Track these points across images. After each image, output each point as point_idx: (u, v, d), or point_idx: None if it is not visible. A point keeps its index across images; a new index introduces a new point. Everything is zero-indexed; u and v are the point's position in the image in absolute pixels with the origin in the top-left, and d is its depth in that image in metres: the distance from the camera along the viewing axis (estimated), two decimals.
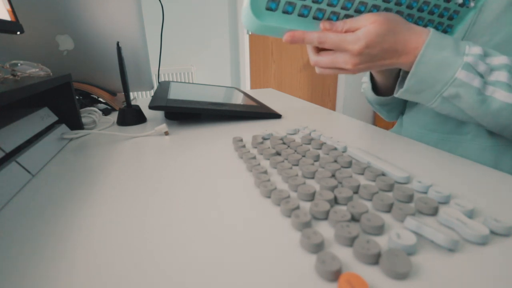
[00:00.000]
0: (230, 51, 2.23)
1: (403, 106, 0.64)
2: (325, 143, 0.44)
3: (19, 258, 0.22)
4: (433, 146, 0.46)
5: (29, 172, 0.36)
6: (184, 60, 2.13)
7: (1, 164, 0.33)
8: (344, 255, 0.21)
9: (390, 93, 0.58)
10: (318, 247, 0.22)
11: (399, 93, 0.41)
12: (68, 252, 0.23)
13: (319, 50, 0.42)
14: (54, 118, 0.50)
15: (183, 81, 2.11)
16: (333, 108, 2.65)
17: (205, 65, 2.19)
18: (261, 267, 0.21)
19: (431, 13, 0.40)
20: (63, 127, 0.51)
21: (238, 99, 0.71)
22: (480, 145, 0.47)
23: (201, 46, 2.14)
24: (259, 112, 0.61)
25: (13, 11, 0.50)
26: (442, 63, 0.35)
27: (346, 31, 0.37)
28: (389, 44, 0.36)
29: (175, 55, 2.09)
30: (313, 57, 0.42)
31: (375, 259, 0.20)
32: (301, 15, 0.37)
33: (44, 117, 0.47)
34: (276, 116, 0.62)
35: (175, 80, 2.11)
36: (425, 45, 0.35)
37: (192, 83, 0.86)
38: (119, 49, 0.54)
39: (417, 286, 0.19)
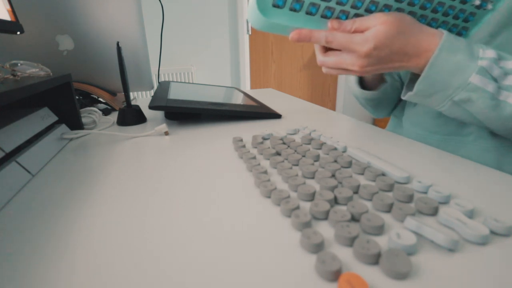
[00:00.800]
0: (230, 51, 2.23)
1: (392, 105, 0.64)
2: (325, 143, 0.44)
3: (19, 258, 0.22)
4: (435, 147, 0.46)
5: (29, 172, 0.36)
6: (184, 60, 2.13)
7: (1, 164, 0.33)
8: (344, 255, 0.21)
9: (374, 87, 0.58)
10: (318, 247, 0.22)
11: (407, 96, 0.39)
12: (68, 252, 0.23)
13: (327, 49, 0.41)
14: (54, 118, 0.50)
15: (183, 81, 2.11)
16: (333, 108, 2.65)
17: (205, 65, 2.19)
18: (261, 267, 0.21)
19: (445, 14, 0.38)
20: (63, 127, 0.51)
21: (238, 99, 0.71)
22: (482, 146, 0.46)
23: (201, 46, 2.14)
24: (259, 112, 0.61)
25: (13, 11, 0.50)
26: (456, 67, 0.34)
27: (354, 31, 0.36)
28: (399, 46, 0.35)
29: (175, 55, 2.09)
30: (320, 57, 0.41)
31: (375, 259, 0.20)
32: (309, 13, 0.36)
33: (44, 117, 0.47)
34: (276, 116, 0.62)
35: (175, 80, 2.11)
36: (438, 48, 0.34)
37: (192, 83, 0.86)
38: (119, 49, 0.54)
39: (417, 286, 0.19)
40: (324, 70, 0.43)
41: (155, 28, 1.29)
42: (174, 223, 0.26)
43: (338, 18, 0.37)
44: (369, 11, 0.36)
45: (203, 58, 2.17)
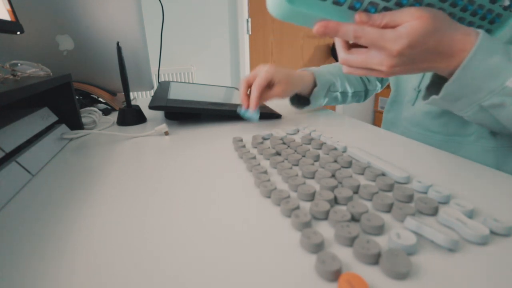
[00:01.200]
0: (230, 51, 2.23)
1: (346, 102, 0.69)
2: (325, 143, 0.44)
3: (19, 258, 0.22)
4: (436, 147, 0.45)
5: (29, 172, 0.36)
6: (184, 60, 2.13)
7: (1, 164, 0.33)
8: (344, 255, 0.21)
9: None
10: (318, 247, 0.22)
11: (430, 100, 0.37)
12: (68, 252, 0.23)
13: (350, 46, 0.37)
14: (54, 118, 0.50)
15: (183, 81, 2.11)
16: (333, 108, 2.65)
17: (205, 65, 2.19)
18: (261, 267, 0.21)
19: (473, 14, 0.36)
20: (63, 127, 0.51)
21: (238, 99, 0.71)
22: (483, 147, 0.46)
23: (201, 46, 2.14)
24: (259, 112, 0.60)
25: (13, 11, 0.50)
26: (492, 69, 0.32)
27: (384, 26, 0.32)
28: (433, 45, 0.32)
29: (175, 55, 2.09)
30: (343, 55, 0.37)
31: (375, 259, 0.20)
32: (336, 2, 0.32)
33: (44, 117, 0.47)
34: (276, 116, 0.62)
35: (175, 80, 2.11)
36: (475, 49, 0.31)
37: (192, 83, 0.86)
38: (119, 49, 0.54)
39: (417, 286, 0.19)
40: (345, 69, 0.38)
41: (155, 28, 1.29)
42: (174, 223, 0.26)
43: (366, 10, 0.33)
44: (399, 4, 0.33)
45: (203, 58, 2.17)
